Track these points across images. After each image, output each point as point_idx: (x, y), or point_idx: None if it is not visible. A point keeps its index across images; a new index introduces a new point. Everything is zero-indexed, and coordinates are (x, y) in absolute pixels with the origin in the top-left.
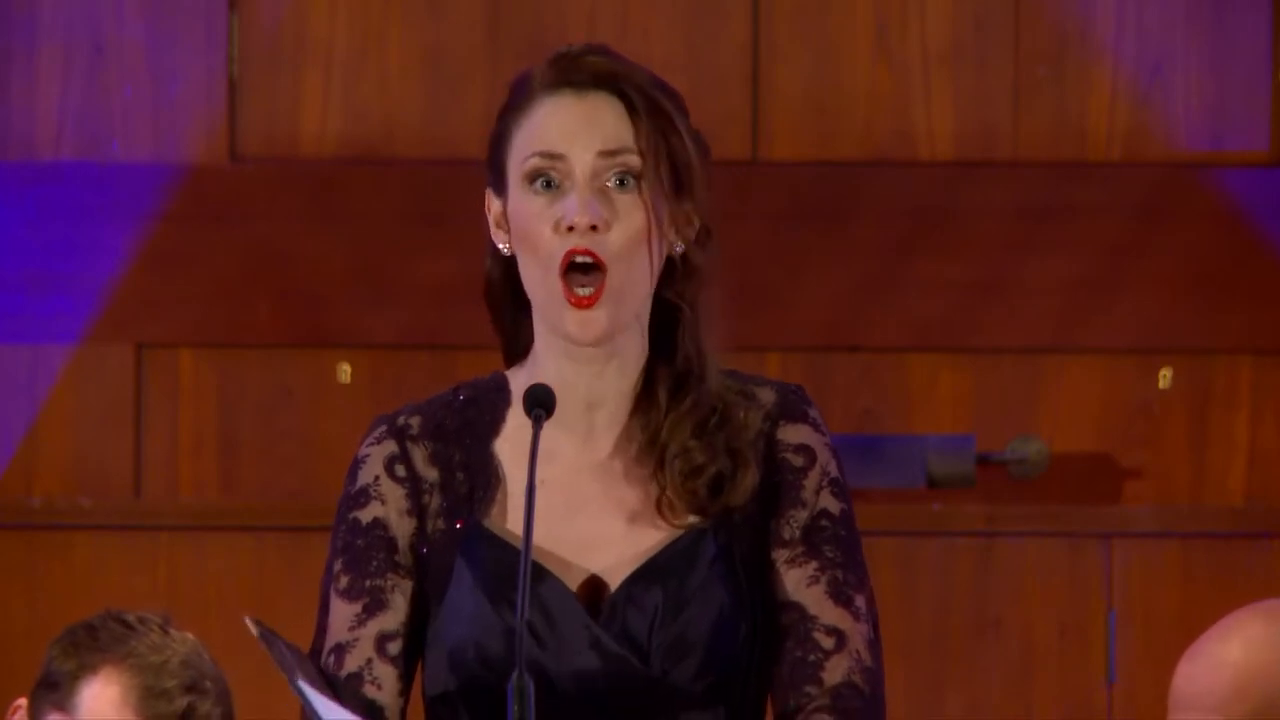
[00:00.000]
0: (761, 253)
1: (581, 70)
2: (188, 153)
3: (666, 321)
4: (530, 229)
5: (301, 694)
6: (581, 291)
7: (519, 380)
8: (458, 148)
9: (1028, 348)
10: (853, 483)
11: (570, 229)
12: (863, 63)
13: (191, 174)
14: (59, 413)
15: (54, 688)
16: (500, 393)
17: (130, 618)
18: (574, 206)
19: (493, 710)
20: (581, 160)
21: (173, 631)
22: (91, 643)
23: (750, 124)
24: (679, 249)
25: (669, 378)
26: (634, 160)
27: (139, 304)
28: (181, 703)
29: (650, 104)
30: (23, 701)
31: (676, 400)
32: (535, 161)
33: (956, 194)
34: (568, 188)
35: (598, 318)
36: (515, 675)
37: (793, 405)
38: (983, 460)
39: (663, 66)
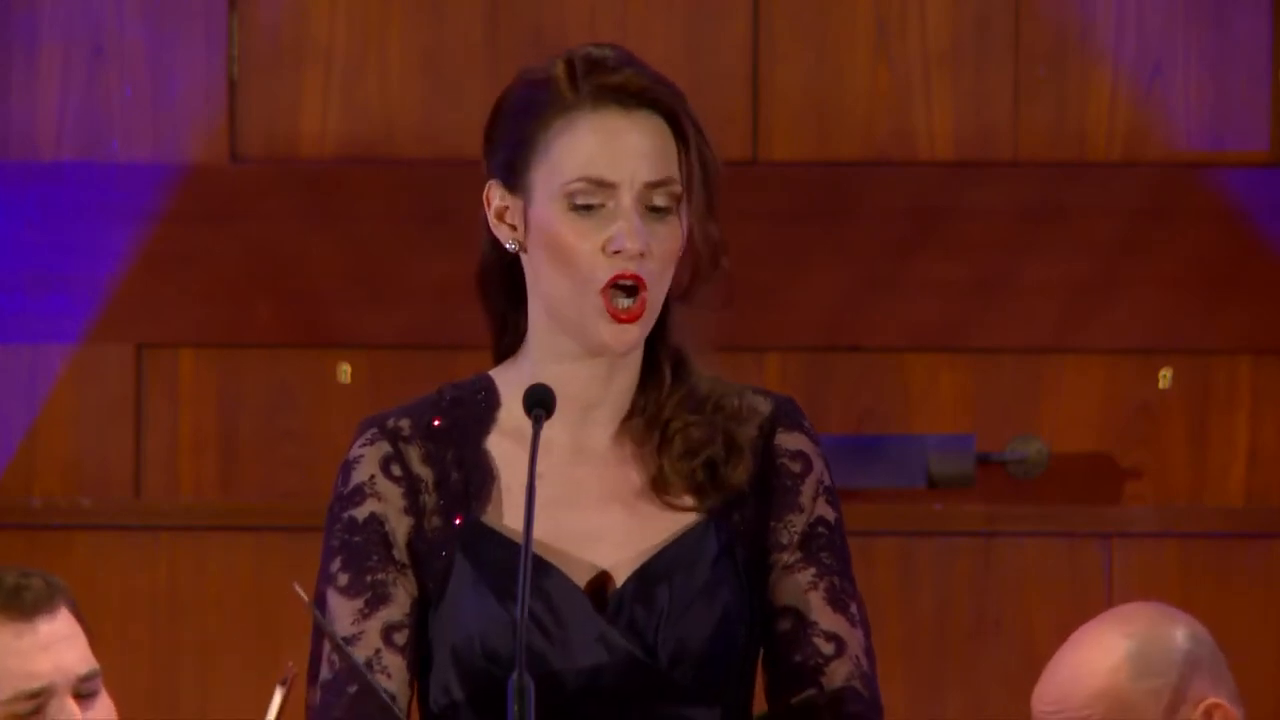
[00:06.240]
0: (761, 253)
1: (625, 87)
2: (188, 153)
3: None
4: (570, 246)
5: (350, 658)
6: (624, 304)
7: (507, 378)
8: (458, 148)
9: (1028, 348)
10: (853, 483)
11: (617, 253)
12: (863, 63)
13: (191, 174)
14: (59, 413)
15: None
16: (488, 392)
17: None
18: (624, 233)
19: (498, 709)
20: (631, 188)
21: None
22: None
23: (750, 124)
24: None
25: (670, 359)
26: (677, 188)
27: (139, 304)
28: (36, 582)
29: (693, 125)
30: None
31: (678, 380)
32: (582, 185)
33: (956, 194)
34: (611, 209)
35: (633, 331)
36: (515, 675)
37: (789, 414)
38: (983, 460)
39: (663, 66)
